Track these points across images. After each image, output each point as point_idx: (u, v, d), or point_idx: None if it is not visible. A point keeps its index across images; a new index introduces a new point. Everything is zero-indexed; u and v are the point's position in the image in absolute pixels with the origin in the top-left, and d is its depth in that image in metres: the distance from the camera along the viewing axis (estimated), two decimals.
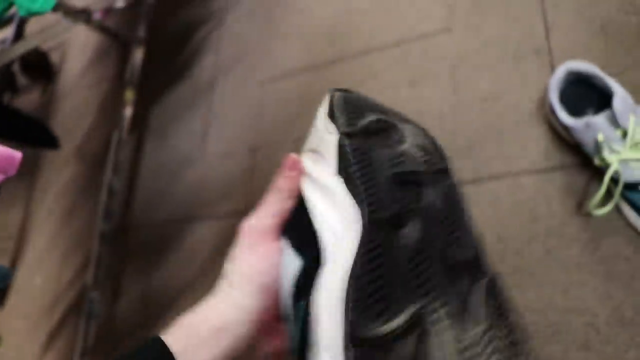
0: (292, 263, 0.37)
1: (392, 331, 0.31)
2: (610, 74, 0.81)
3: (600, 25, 0.87)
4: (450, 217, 0.38)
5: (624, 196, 0.73)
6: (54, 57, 1.82)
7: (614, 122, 0.70)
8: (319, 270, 0.34)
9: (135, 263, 1.29)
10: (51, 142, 1.42)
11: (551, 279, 0.79)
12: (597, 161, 0.73)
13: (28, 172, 1.66)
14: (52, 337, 1.36)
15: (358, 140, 0.37)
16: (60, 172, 1.58)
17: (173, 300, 1.18)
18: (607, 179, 0.70)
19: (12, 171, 0.48)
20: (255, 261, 0.37)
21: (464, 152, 0.91)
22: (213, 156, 1.26)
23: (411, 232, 0.34)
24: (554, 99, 0.78)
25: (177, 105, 1.41)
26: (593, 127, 0.71)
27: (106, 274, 1.28)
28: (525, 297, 0.79)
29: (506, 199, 0.85)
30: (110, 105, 1.56)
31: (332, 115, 0.38)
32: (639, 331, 0.71)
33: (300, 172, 0.39)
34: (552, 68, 0.88)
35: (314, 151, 0.39)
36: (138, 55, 1.47)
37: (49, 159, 1.64)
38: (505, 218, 0.84)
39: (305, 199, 0.38)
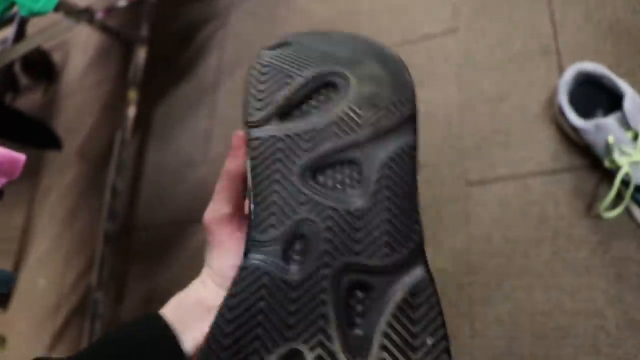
0: None
1: None
2: (620, 75, 0.81)
3: (609, 26, 0.86)
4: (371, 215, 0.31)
5: (634, 199, 0.72)
6: (56, 57, 1.81)
7: (625, 123, 0.69)
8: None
9: (140, 264, 1.29)
10: (54, 142, 1.41)
11: (559, 281, 0.78)
12: (607, 163, 0.72)
13: (30, 173, 1.65)
14: (56, 338, 1.35)
15: (266, 129, 0.33)
16: (62, 173, 1.58)
17: None
18: (617, 181, 0.69)
19: (16, 174, 0.47)
20: (223, 256, 0.36)
21: (471, 154, 0.91)
22: (217, 157, 1.25)
23: (298, 267, 0.31)
24: (564, 100, 0.77)
25: (181, 106, 1.40)
26: (603, 128, 0.70)
27: (110, 275, 1.27)
28: (533, 300, 0.79)
29: (514, 201, 0.85)
30: (113, 106, 1.55)
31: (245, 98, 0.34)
32: None
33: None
34: (560, 69, 0.87)
35: None
36: (141, 54, 1.46)
37: (52, 159, 1.63)
38: (513, 220, 0.84)
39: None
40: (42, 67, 1.78)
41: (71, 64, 1.79)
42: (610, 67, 0.82)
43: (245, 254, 0.31)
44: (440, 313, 0.30)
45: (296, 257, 0.31)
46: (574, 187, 0.81)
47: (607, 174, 0.78)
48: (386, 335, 0.29)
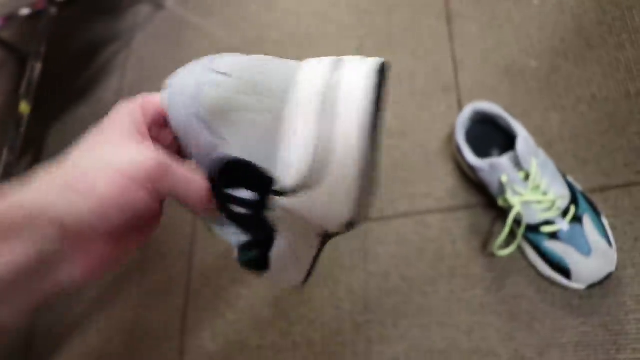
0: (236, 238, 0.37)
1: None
2: (515, 115, 0.83)
3: (505, 67, 0.88)
4: None
5: (526, 237, 0.73)
6: None
7: (517, 164, 0.70)
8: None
9: None
10: None
11: (455, 320, 0.78)
12: (500, 202, 0.73)
13: None
14: None
15: None
16: None
17: (62, 341, 1.08)
18: (510, 220, 0.70)
19: None
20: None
21: None
22: None
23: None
24: (460, 138, 0.77)
25: (77, 127, 1.31)
26: (497, 168, 0.71)
27: None
28: (430, 338, 0.78)
29: (412, 238, 0.84)
30: (3, 123, 1.44)
31: None
32: None
33: None
34: (460, 107, 0.89)
35: None
36: (36, 69, 1.36)
37: None
38: (410, 257, 0.83)
39: None
40: None
41: None
42: (506, 107, 0.84)
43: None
44: None
45: None
46: (470, 224, 0.81)
47: (502, 213, 0.79)
48: None
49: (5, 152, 1.27)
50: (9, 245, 0.26)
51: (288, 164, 0.29)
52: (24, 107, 1.31)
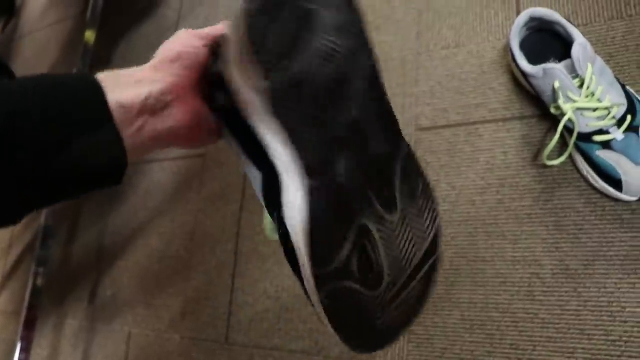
0: (256, 175, 0.46)
1: (346, 257, 0.41)
2: (576, 25, 0.79)
3: None
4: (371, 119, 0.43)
5: (577, 146, 0.72)
6: None
7: (572, 70, 0.68)
8: (279, 182, 0.41)
9: (90, 204, 1.27)
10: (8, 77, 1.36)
11: (502, 229, 0.78)
12: (552, 109, 0.72)
13: None
14: (5, 278, 1.34)
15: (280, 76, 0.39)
16: None
17: (128, 242, 1.16)
18: (560, 127, 0.69)
19: None
20: (179, 45, 0.46)
21: (424, 99, 0.89)
22: None
23: (342, 169, 0.41)
24: (515, 45, 0.75)
25: (140, 46, 1.36)
26: (550, 74, 0.69)
27: (61, 216, 1.25)
28: (476, 246, 0.79)
29: (463, 148, 0.84)
30: (72, 45, 1.50)
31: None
32: (581, 282, 0.71)
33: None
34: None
35: None
36: None
37: None
38: (460, 166, 0.83)
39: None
40: (1, 0, 1.72)
41: (31, 1, 1.73)
42: (567, 16, 0.81)
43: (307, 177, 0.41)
44: (422, 170, 0.47)
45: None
46: (522, 135, 0.81)
47: (556, 123, 0.78)
48: (400, 191, 0.44)
49: (74, 72, 1.33)
50: (145, 89, 0.43)
51: None
52: (89, 34, 1.36)
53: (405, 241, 0.44)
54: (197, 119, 0.47)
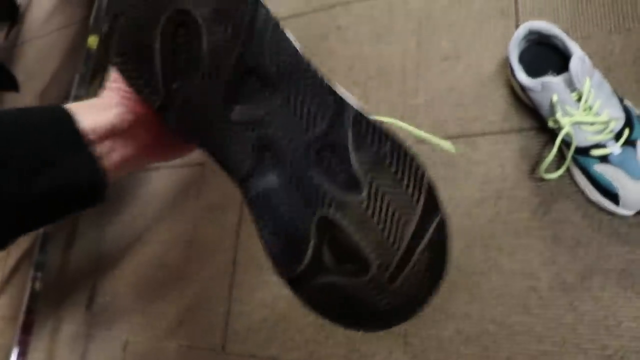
0: None
1: (312, 256, 0.40)
2: (575, 38, 0.80)
3: None
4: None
5: (575, 160, 0.72)
6: None
7: (571, 84, 0.68)
8: None
9: (89, 211, 1.27)
10: (10, 83, 1.37)
11: (499, 241, 0.78)
12: (550, 123, 0.72)
13: None
14: (3, 284, 1.34)
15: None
16: None
17: (126, 250, 1.16)
18: (558, 141, 0.69)
19: None
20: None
21: (423, 110, 0.90)
22: None
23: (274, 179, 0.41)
24: (513, 58, 0.76)
25: None
26: (549, 88, 0.69)
27: (60, 223, 1.25)
28: (472, 259, 0.79)
29: (460, 160, 0.84)
30: (76, 51, 1.51)
31: None
32: (578, 296, 0.71)
33: None
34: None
35: None
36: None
37: (11, 105, 1.59)
38: (458, 179, 0.83)
39: None
40: (5, 6, 1.73)
41: (36, 5, 1.74)
42: (566, 30, 0.81)
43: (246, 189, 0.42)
44: (384, 129, 0.41)
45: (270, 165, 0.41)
46: (520, 148, 0.81)
47: (554, 137, 0.78)
48: (360, 163, 0.40)
49: (76, 77, 1.34)
50: (110, 113, 0.46)
51: None
52: (92, 40, 1.37)
53: (385, 216, 0.40)
54: (162, 132, 0.49)
